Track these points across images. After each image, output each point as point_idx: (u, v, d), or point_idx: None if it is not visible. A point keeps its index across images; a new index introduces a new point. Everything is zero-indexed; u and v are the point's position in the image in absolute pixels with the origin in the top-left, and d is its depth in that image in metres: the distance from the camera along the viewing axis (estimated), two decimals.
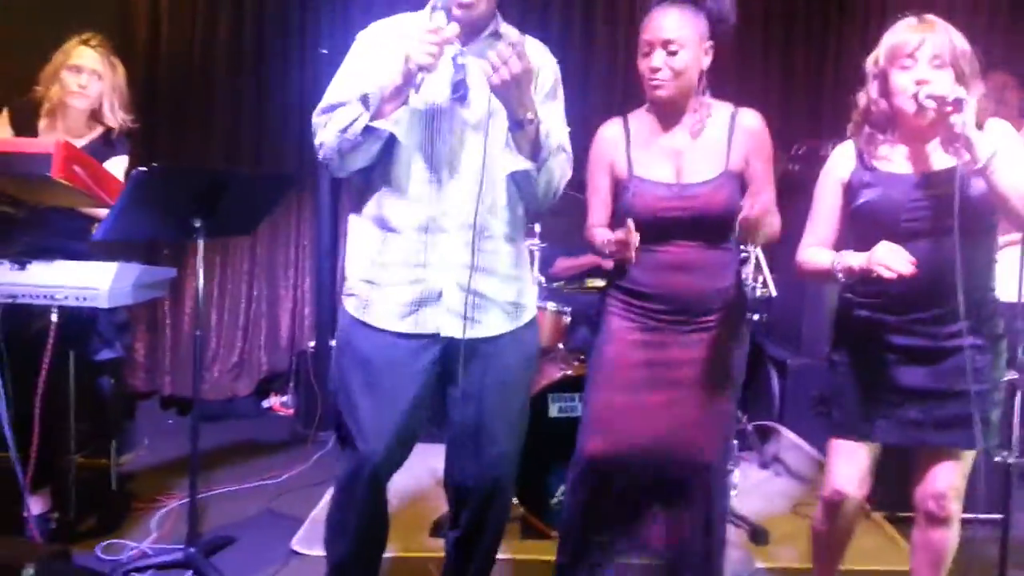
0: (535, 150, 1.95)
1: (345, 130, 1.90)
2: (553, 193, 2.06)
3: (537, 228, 3.38)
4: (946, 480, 2.08)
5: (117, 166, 2.89)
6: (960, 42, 1.96)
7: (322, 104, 1.98)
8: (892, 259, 1.87)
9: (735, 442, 3.27)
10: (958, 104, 1.84)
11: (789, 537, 3.12)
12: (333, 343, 4.12)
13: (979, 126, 1.92)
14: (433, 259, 1.97)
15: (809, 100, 4.69)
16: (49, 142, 2.40)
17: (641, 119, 2.25)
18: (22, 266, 2.43)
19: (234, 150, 4.62)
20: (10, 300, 2.41)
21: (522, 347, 2.12)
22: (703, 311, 2.22)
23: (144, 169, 2.38)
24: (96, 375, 3.04)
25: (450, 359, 2.01)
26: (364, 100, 1.90)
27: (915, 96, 1.92)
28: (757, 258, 3.38)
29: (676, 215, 2.15)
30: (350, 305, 2.05)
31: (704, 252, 2.20)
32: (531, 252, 3.50)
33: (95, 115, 2.91)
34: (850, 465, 2.14)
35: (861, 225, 2.07)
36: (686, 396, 2.22)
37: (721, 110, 2.21)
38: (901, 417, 2.07)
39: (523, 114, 1.88)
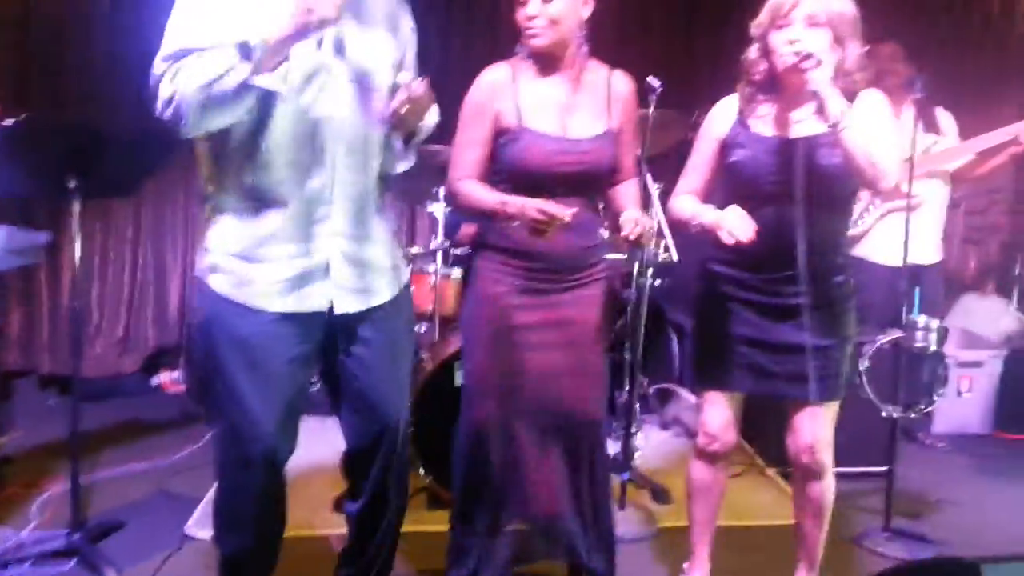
0: (411, 136, 1.96)
1: (213, 83, 1.64)
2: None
3: (442, 192, 3.28)
4: (811, 432, 2.20)
5: None
6: (838, 4, 2.03)
7: (169, 49, 1.70)
8: (735, 224, 1.98)
9: (637, 405, 3.31)
10: (812, 58, 1.93)
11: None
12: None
13: (855, 92, 2.04)
14: (319, 231, 1.84)
15: (710, 67, 4.72)
16: None
17: (522, 69, 2.18)
18: None
19: (116, 94, 4.16)
20: None
21: (405, 309, 2.08)
22: (579, 268, 2.23)
23: (11, 121, 2.18)
24: None
25: (337, 330, 1.93)
26: (244, 48, 1.64)
27: (783, 54, 2.00)
28: (659, 223, 3.40)
29: (566, 169, 2.13)
30: (218, 283, 1.84)
31: (584, 209, 2.19)
32: (434, 217, 3.43)
33: None
34: (717, 413, 2.27)
35: (729, 182, 2.16)
36: (566, 356, 2.22)
37: (598, 69, 2.22)
38: (755, 368, 2.19)
39: (418, 126, 1.90)
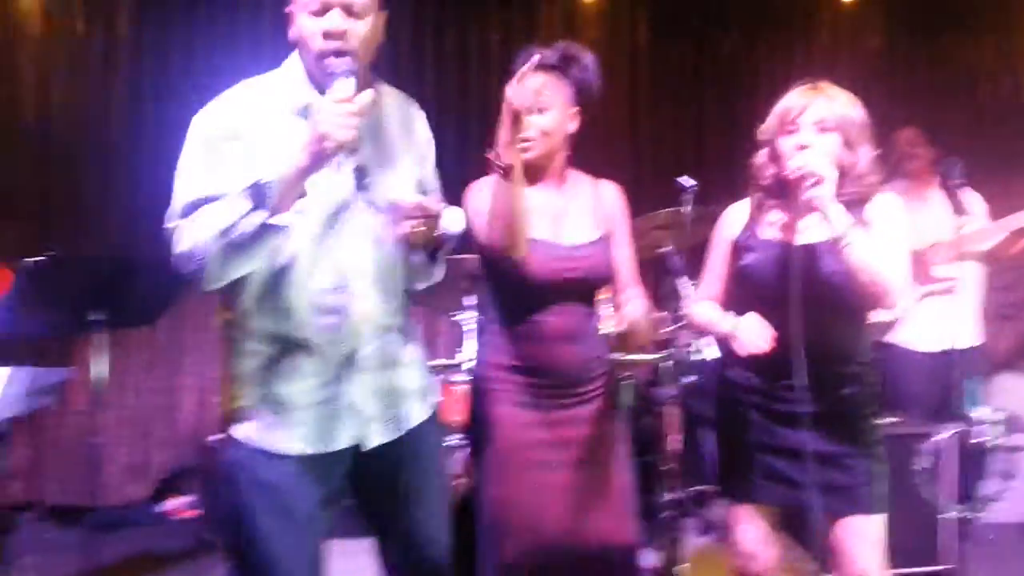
0: (436, 248, 1.84)
1: (229, 229, 1.56)
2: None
3: (470, 301, 3.23)
4: (861, 554, 2.06)
5: None
6: (847, 108, 2.02)
7: (181, 203, 1.65)
8: (749, 334, 1.97)
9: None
10: (814, 177, 1.91)
11: None
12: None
13: (869, 196, 2.03)
14: (346, 370, 1.75)
15: (724, 160, 4.76)
16: None
17: None
18: None
19: (134, 222, 4.20)
20: None
21: (438, 431, 1.98)
22: (583, 382, 2.18)
23: (36, 259, 2.09)
24: None
25: (363, 466, 1.82)
26: (256, 191, 1.56)
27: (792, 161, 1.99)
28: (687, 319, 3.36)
29: (566, 276, 2.12)
30: (247, 432, 1.75)
31: (585, 319, 2.18)
32: (462, 326, 3.33)
33: None
34: (750, 528, 2.15)
35: (741, 286, 2.14)
36: (584, 476, 2.15)
37: (581, 178, 2.26)
38: (780, 476, 2.09)
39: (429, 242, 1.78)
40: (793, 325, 1.96)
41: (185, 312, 4.36)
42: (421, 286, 1.92)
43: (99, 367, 2.41)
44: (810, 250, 2.01)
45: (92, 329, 2.35)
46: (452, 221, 1.83)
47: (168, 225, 1.66)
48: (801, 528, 2.29)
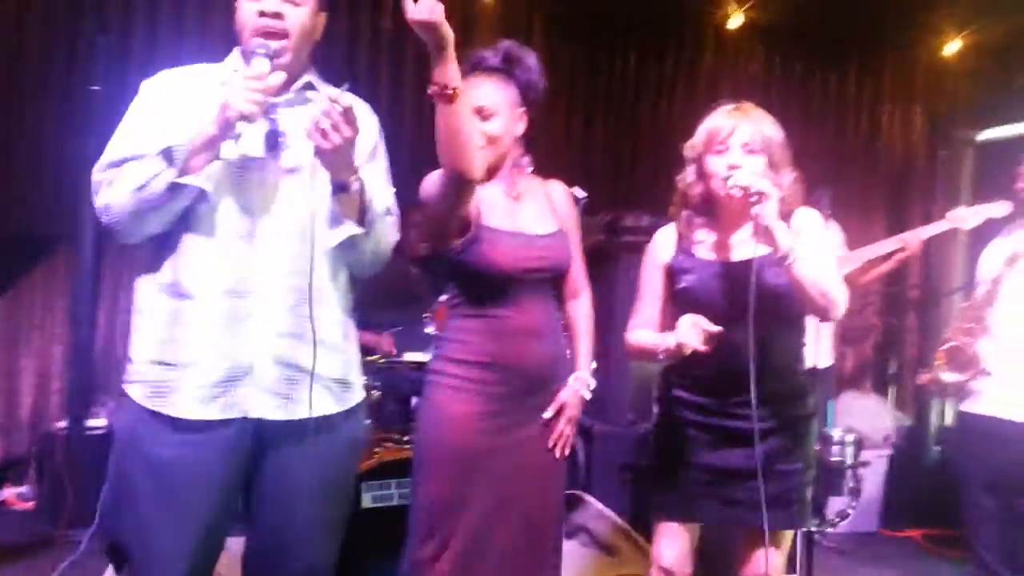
0: (361, 214, 1.77)
1: (143, 187, 1.64)
2: (381, 259, 1.89)
3: None
4: (769, 563, 2.08)
5: None
6: (772, 130, 2.05)
7: (106, 159, 1.72)
8: (688, 334, 1.92)
9: None
10: (761, 195, 1.92)
11: None
12: (94, 424, 3.74)
13: (789, 213, 2.04)
14: (245, 327, 1.70)
15: (609, 170, 4.85)
16: None
17: None
18: None
19: None
20: None
21: (346, 437, 1.85)
22: (550, 381, 2.11)
23: None
24: None
25: (259, 448, 1.73)
26: (167, 153, 1.64)
27: (725, 180, 1.99)
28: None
29: (530, 265, 2.06)
30: (136, 393, 1.71)
31: (550, 314, 2.13)
32: None
33: None
34: (674, 545, 2.14)
35: (680, 308, 2.10)
36: (532, 478, 2.08)
37: (531, 178, 2.23)
38: (717, 496, 2.09)
39: (347, 176, 1.72)
40: (741, 340, 1.93)
41: (23, 293, 4.10)
42: (359, 270, 1.86)
43: None
44: (748, 266, 1.98)
45: None
46: (381, 193, 1.84)
47: (93, 177, 1.71)
48: (719, 544, 2.37)
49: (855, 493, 3.01)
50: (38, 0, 4.10)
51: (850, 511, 3.01)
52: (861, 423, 4.81)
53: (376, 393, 3.17)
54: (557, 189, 2.23)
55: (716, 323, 1.92)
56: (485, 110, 2.05)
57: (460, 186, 1.90)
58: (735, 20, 4.83)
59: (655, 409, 2.23)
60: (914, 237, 3.69)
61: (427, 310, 3.29)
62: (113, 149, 1.72)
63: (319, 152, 1.66)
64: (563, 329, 2.21)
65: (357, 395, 1.87)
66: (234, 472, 1.72)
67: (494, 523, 2.03)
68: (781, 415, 2.07)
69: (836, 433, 2.89)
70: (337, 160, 1.68)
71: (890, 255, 3.79)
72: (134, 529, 1.71)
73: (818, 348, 3.89)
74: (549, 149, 4.78)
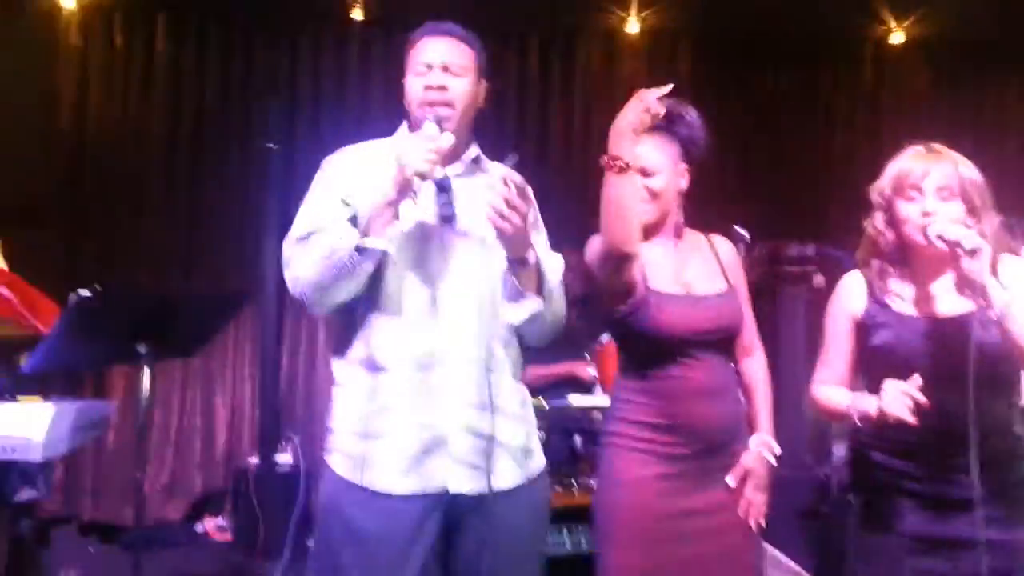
0: (539, 285, 1.81)
1: (329, 256, 1.70)
2: (559, 327, 1.90)
3: None
4: None
5: None
6: (970, 172, 1.89)
7: (295, 233, 1.79)
8: (896, 404, 1.78)
9: None
10: (974, 252, 1.76)
11: None
12: (281, 461, 4.00)
13: (994, 262, 1.86)
14: (436, 399, 1.73)
15: (765, 197, 4.70)
16: None
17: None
18: None
19: (168, 254, 4.43)
20: None
21: (535, 505, 1.86)
22: (730, 442, 2.04)
23: (84, 294, 2.11)
24: (15, 518, 2.68)
25: (454, 522, 1.75)
26: (351, 221, 1.74)
27: (923, 229, 1.85)
28: None
29: (699, 327, 2.01)
30: (338, 465, 1.76)
31: (725, 372, 2.06)
32: None
33: None
34: None
35: (875, 365, 1.96)
36: (723, 547, 2.01)
37: (694, 233, 2.19)
38: (925, 571, 1.92)
39: (524, 252, 1.75)
40: (952, 404, 1.81)
41: (217, 339, 4.45)
42: (530, 332, 1.87)
43: (142, 397, 2.40)
44: (959, 322, 1.85)
45: (136, 361, 2.33)
46: (551, 262, 1.88)
47: (284, 252, 1.79)
48: None
49: None
50: (215, 68, 4.47)
51: None
52: None
53: (541, 434, 3.24)
54: (723, 245, 2.19)
55: (921, 384, 1.79)
56: (648, 168, 2.05)
57: (618, 257, 1.90)
58: (896, 36, 4.59)
59: (847, 471, 2.08)
60: None
61: (586, 352, 3.32)
62: (300, 224, 1.80)
63: (500, 231, 1.69)
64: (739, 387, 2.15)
65: (539, 461, 1.89)
66: (432, 542, 1.74)
67: (680, 560, 1.98)
68: (997, 481, 1.90)
69: None
70: (515, 236, 1.70)
71: None
72: None
73: None
74: (701, 177, 4.76)
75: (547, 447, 3.24)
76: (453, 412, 1.74)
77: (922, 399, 1.76)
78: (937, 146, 1.94)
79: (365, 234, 1.70)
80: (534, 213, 1.93)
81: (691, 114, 2.11)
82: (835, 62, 4.83)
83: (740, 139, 4.77)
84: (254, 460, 4.15)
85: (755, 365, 2.16)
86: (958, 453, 1.83)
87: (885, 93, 4.83)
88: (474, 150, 1.92)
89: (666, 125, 2.08)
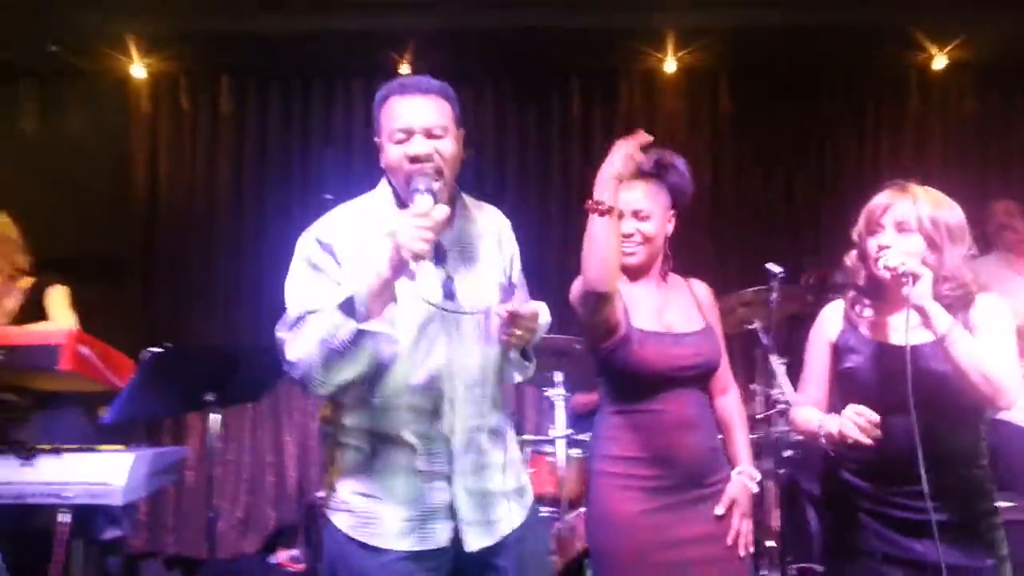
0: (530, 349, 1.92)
1: (329, 339, 1.67)
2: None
3: (559, 377, 3.29)
4: None
5: (59, 298, 3.01)
6: (934, 209, 1.97)
7: (288, 317, 1.77)
8: (850, 426, 1.87)
9: None
10: (912, 276, 1.87)
11: None
12: None
13: (970, 297, 1.97)
14: (440, 468, 1.81)
15: (810, 226, 4.74)
16: (60, 332, 2.35)
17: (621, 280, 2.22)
18: (29, 460, 2.30)
19: (236, 303, 4.66)
20: (17, 501, 2.27)
21: (537, 533, 1.98)
22: (709, 473, 2.14)
23: (156, 350, 2.33)
24: (103, 555, 2.92)
25: (466, 565, 1.84)
26: (348, 304, 1.67)
27: (876, 261, 1.95)
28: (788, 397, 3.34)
29: (681, 363, 2.12)
30: (341, 522, 1.81)
31: (702, 406, 2.17)
32: (552, 401, 3.42)
33: (6, 273, 3.05)
34: None
35: (845, 389, 2.07)
36: (712, 573, 2.10)
37: (676, 277, 2.29)
38: None
39: (530, 343, 1.85)
40: (901, 427, 1.88)
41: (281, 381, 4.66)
42: (517, 380, 2.00)
43: (212, 442, 2.59)
44: (915, 350, 1.91)
45: (205, 408, 2.53)
46: (541, 315, 1.89)
47: (278, 335, 1.76)
48: None
49: None
50: (276, 124, 4.73)
51: None
52: None
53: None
54: (701, 287, 2.30)
55: (875, 408, 1.88)
56: (642, 212, 2.16)
57: (596, 296, 1.99)
58: (938, 62, 4.56)
59: (820, 488, 2.21)
60: None
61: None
62: (292, 306, 1.76)
63: (507, 344, 1.79)
64: (715, 421, 2.23)
65: (530, 494, 1.98)
66: None
67: None
68: (958, 511, 1.96)
69: None
70: (521, 344, 1.81)
71: None
72: None
73: None
74: (745, 206, 4.74)
75: None
76: (457, 480, 1.81)
77: (876, 420, 1.85)
78: (908, 184, 2.03)
79: (364, 316, 1.66)
80: (511, 251, 2.01)
81: (680, 163, 2.23)
82: (878, 90, 4.81)
83: (784, 170, 4.79)
84: (322, 494, 4.32)
85: (730, 401, 2.28)
86: (912, 479, 1.90)
87: (930, 119, 4.79)
88: (459, 202, 1.90)
89: (657, 173, 2.21)
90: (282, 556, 4.58)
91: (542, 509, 3.16)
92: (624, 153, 1.94)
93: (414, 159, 1.76)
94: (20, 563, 2.41)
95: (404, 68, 4.40)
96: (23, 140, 4.55)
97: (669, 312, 2.20)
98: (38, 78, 4.59)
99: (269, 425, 4.69)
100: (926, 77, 4.73)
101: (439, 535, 1.79)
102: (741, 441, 2.24)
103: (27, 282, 3.03)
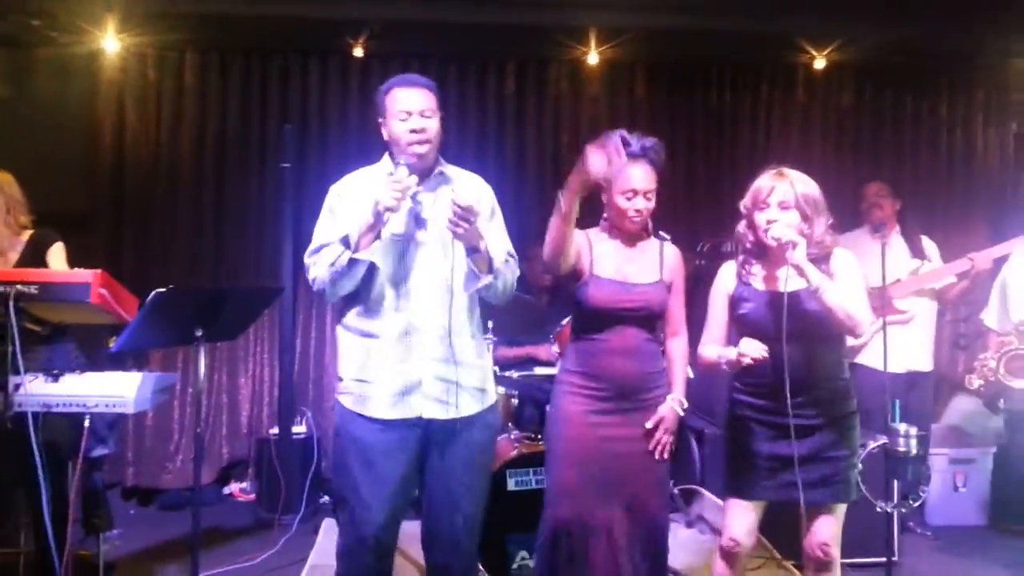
0: (489, 265, 2.44)
1: (333, 264, 2.37)
2: (510, 291, 2.57)
3: (490, 324, 3.82)
4: (825, 532, 2.58)
5: (58, 255, 3.33)
6: (804, 188, 2.53)
7: (311, 247, 2.49)
8: (749, 348, 2.45)
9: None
10: (792, 244, 2.43)
11: None
12: (297, 431, 4.61)
13: (827, 254, 2.54)
14: (413, 356, 2.41)
15: (709, 204, 5.33)
16: (87, 272, 2.76)
17: (598, 235, 2.78)
18: (56, 378, 2.75)
19: (197, 258, 5.05)
20: (45, 409, 2.72)
21: (487, 427, 2.56)
22: (642, 391, 2.71)
23: (161, 291, 2.70)
24: (91, 470, 3.33)
25: (429, 441, 2.44)
26: (345, 240, 2.37)
27: (766, 232, 2.51)
28: None
29: (626, 306, 2.67)
30: (347, 401, 2.47)
31: (642, 341, 2.71)
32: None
33: (8, 226, 3.29)
34: (741, 519, 2.62)
35: (740, 329, 2.63)
36: (633, 466, 2.67)
37: (653, 240, 2.81)
38: (778, 480, 2.55)
39: (476, 242, 2.39)
40: (794, 353, 2.44)
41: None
42: (494, 301, 2.55)
43: (200, 370, 2.96)
44: (794, 296, 2.47)
45: (194, 342, 2.90)
46: (498, 247, 2.50)
47: (305, 261, 2.48)
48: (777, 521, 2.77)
49: (924, 480, 3.45)
50: (236, 98, 5.07)
51: (922, 493, 3.46)
52: (969, 423, 5.18)
53: (515, 401, 3.93)
54: (671, 250, 2.81)
55: (766, 342, 2.45)
56: (648, 193, 2.66)
57: (554, 268, 2.59)
58: (819, 63, 5.16)
59: (725, 409, 2.73)
60: (985, 256, 4.07)
61: (552, 332, 4.00)
62: (315, 240, 2.48)
63: (455, 234, 2.32)
64: (660, 355, 2.76)
65: (492, 397, 2.59)
66: (411, 454, 2.43)
67: (607, 491, 2.65)
68: (827, 414, 2.54)
69: (901, 427, 3.29)
70: (467, 236, 2.34)
71: (967, 272, 4.15)
72: (349, 488, 2.43)
73: (921, 355, 4.35)
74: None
75: (521, 408, 3.95)
76: (425, 365, 2.41)
77: (764, 348, 2.42)
78: (785, 169, 2.57)
79: (355, 249, 2.34)
80: (490, 206, 2.59)
81: (659, 145, 2.70)
82: (769, 86, 5.41)
83: (689, 152, 5.37)
84: (274, 431, 4.74)
85: (678, 344, 2.81)
86: (797, 393, 2.49)
87: (813, 111, 5.42)
88: (440, 166, 2.53)
89: (645, 154, 2.66)
90: (234, 487, 5.04)
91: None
92: (584, 173, 2.27)
93: (414, 131, 2.41)
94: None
95: (357, 50, 4.82)
96: None
97: (630, 266, 2.71)
98: (11, 48, 4.84)
99: (225, 369, 5.08)
100: (810, 75, 5.33)
101: (413, 408, 2.40)
102: (678, 375, 2.77)
103: (26, 235, 3.32)
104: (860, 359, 4.05)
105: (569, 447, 2.69)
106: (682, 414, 2.73)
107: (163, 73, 5.01)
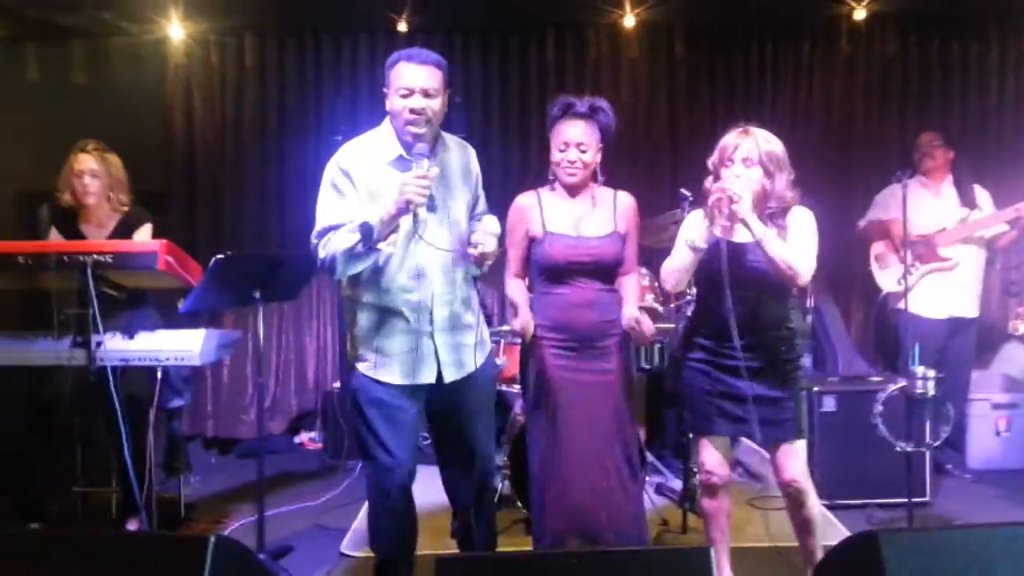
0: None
1: (350, 250, 2.40)
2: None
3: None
4: (792, 468, 2.73)
5: (144, 235, 3.61)
6: (767, 145, 2.65)
7: (317, 229, 2.49)
8: (728, 184, 2.56)
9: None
10: (734, 198, 2.55)
11: (747, 522, 3.78)
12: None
13: (788, 209, 2.67)
14: (425, 329, 2.57)
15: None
16: (155, 242, 3.12)
17: (548, 194, 2.96)
18: (131, 336, 3.14)
19: (264, 228, 5.42)
20: (123, 364, 3.11)
21: (488, 375, 2.80)
22: (602, 338, 2.90)
23: (221, 256, 3.04)
24: (169, 420, 3.74)
25: (443, 395, 2.64)
26: (364, 229, 2.37)
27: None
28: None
29: (580, 260, 2.85)
30: (363, 367, 2.60)
31: (599, 292, 2.90)
32: None
33: (109, 202, 3.60)
34: (710, 453, 2.80)
35: (697, 274, 2.79)
36: (600, 407, 2.88)
37: (606, 190, 2.97)
38: (729, 415, 2.73)
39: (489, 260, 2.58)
40: (742, 298, 2.61)
41: (307, 290, 5.30)
42: (476, 274, 2.76)
43: (260, 330, 3.30)
44: (739, 247, 2.63)
45: (254, 303, 3.23)
46: (491, 226, 2.64)
47: (312, 241, 2.50)
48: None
49: (944, 421, 3.56)
50: (293, 76, 5.39)
51: (942, 434, 3.58)
52: (1018, 370, 5.18)
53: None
54: (623, 198, 2.96)
55: (717, 286, 2.61)
56: (583, 144, 2.82)
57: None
58: (859, 13, 5.14)
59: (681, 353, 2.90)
60: None
61: None
62: (320, 221, 2.48)
63: (477, 263, 2.54)
64: (618, 304, 2.92)
65: (488, 347, 2.79)
66: (422, 406, 2.64)
67: (574, 420, 2.86)
68: (769, 358, 2.70)
69: (919, 370, 3.41)
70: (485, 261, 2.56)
71: (1015, 220, 4.22)
72: (372, 438, 2.58)
73: (966, 302, 4.42)
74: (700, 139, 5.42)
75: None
76: (436, 335, 2.57)
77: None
78: (750, 127, 2.67)
79: (377, 239, 2.37)
80: (477, 169, 2.73)
81: (607, 107, 2.87)
82: (812, 39, 5.40)
83: (728, 112, 5.31)
84: (336, 385, 5.12)
85: (629, 277, 2.98)
86: (750, 336, 2.66)
87: (857, 62, 5.39)
88: (440, 140, 2.58)
89: (591, 113, 2.84)
90: (303, 436, 5.45)
91: (514, 387, 3.98)
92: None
93: (412, 111, 2.42)
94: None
95: (401, 25, 5.04)
96: (75, 94, 5.23)
97: (583, 221, 2.90)
98: (87, 38, 5.21)
99: (292, 328, 5.45)
100: (852, 26, 5.29)
101: (427, 374, 2.59)
102: (630, 292, 2.95)
103: (123, 212, 3.66)
104: (902, 304, 4.10)
105: (545, 382, 2.89)
106: (636, 315, 2.88)
107: (224, 57, 5.36)
